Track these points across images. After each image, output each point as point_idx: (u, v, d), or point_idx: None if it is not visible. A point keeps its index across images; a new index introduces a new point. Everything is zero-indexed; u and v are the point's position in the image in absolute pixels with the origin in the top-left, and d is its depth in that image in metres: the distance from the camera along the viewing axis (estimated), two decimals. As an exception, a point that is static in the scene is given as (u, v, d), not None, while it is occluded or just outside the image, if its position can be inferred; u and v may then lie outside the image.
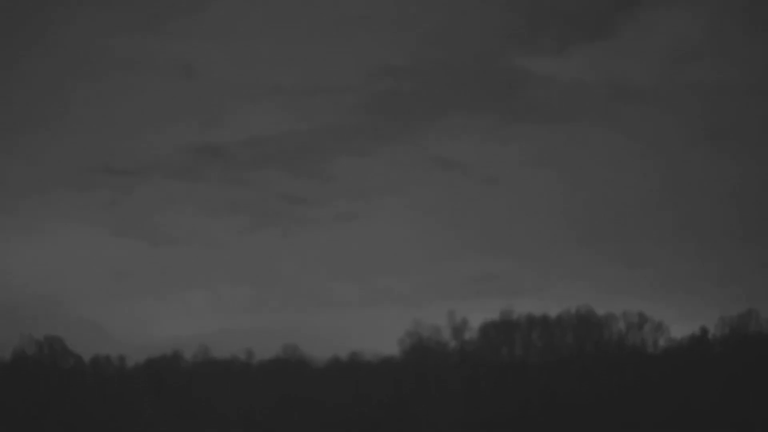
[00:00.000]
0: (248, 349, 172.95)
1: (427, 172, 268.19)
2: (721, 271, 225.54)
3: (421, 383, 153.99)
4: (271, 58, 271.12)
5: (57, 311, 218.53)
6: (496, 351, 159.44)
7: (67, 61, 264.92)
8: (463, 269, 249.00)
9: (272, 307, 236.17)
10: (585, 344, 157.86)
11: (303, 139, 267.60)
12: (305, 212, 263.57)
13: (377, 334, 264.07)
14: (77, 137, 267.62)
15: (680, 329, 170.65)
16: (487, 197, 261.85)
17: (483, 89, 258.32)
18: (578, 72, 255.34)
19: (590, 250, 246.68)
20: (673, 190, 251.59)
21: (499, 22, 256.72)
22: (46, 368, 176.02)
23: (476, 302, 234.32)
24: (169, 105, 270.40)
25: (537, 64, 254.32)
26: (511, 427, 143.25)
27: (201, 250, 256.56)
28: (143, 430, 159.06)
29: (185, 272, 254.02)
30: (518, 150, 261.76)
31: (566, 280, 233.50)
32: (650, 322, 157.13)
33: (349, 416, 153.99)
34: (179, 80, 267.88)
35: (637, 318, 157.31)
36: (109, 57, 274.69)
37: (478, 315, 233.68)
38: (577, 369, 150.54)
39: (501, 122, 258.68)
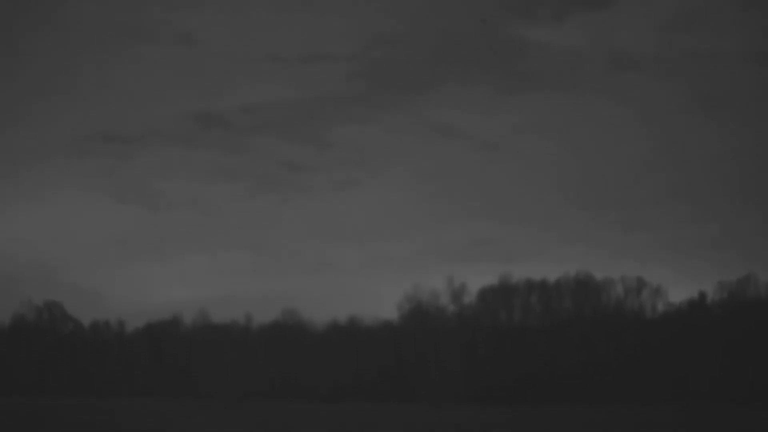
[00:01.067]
0: (248, 313, 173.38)
1: (425, 140, 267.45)
2: (720, 235, 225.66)
3: (420, 347, 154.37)
4: (270, 27, 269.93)
5: (56, 277, 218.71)
6: (495, 315, 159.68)
7: (68, 31, 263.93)
8: (461, 235, 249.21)
9: (271, 272, 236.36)
10: (583, 309, 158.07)
11: (302, 107, 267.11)
12: (304, 179, 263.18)
13: (376, 298, 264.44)
14: (78, 106, 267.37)
15: (678, 293, 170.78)
16: (486, 164, 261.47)
17: (481, 57, 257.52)
18: (575, 41, 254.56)
19: (588, 216, 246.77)
20: (671, 156, 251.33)
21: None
22: (46, 333, 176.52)
23: (475, 267, 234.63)
24: (169, 73, 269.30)
25: (535, 33, 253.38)
26: (510, 390, 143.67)
27: (200, 216, 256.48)
28: (143, 394, 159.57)
29: (184, 238, 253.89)
30: (516, 117, 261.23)
31: (564, 245, 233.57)
32: (649, 286, 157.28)
33: (348, 380, 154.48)
34: (179, 49, 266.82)
35: (635, 282, 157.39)
36: (109, 27, 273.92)
37: (477, 280, 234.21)
38: (576, 333, 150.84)
39: (499, 90, 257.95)
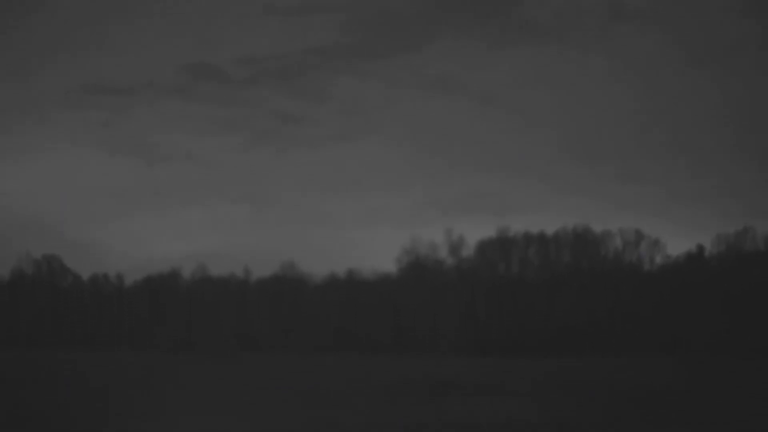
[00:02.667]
0: (246, 266, 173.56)
1: (422, 92, 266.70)
2: (718, 188, 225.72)
3: (418, 300, 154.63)
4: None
5: (55, 231, 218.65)
6: (493, 268, 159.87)
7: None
8: (459, 188, 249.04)
9: (269, 225, 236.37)
10: (581, 261, 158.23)
11: (298, 58, 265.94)
12: (301, 132, 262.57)
13: (375, 251, 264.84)
14: (72, 57, 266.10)
15: (677, 246, 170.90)
16: (484, 116, 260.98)
17: (478, 9, 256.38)
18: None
19: (586, 169, 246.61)
20: (669, 108, 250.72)
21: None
22: (45, 286, 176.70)
23: (473, 220, 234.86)
24: (164, 25, 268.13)
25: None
26: (507, 342, 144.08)
27: (197, 169, 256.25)
28: (143, 347, 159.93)
29: (181, 191, 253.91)
30: (514, 69, 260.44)
31: (562, 197, 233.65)
32: (647, 239, 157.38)
33: (347, 332, 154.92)
34: (173, 0, 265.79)
35: (633, 235, 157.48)
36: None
37: (475, 232, 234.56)
38: (574, 285, 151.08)
39: (496, 42, 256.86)
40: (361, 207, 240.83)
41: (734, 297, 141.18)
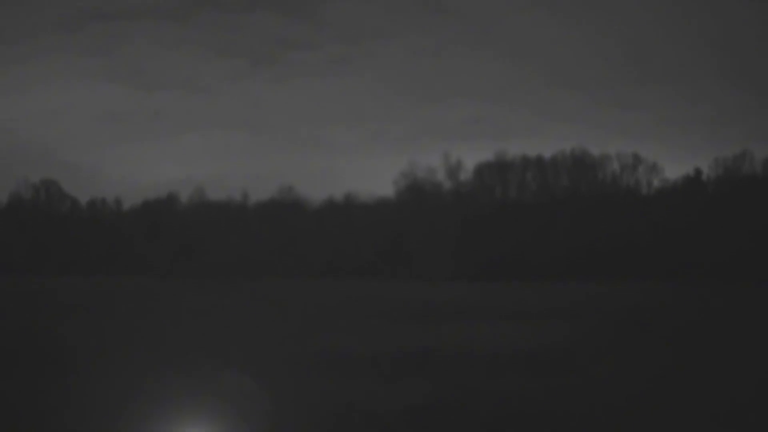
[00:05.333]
0: (244, 191, 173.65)
1: (420, 16, 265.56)
2: (716, 112, 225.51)
3: (416, 223, 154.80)
4: None
5: (52, 156, 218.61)
6: (491, 192, 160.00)
7: None
8: (457, 112, 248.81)
9: (267, 150, 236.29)
10: (579, 185, 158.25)
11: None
12: (299, 56, 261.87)
13: (372, 175, 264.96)
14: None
15: (674, 170, 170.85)
16: (481, 41, 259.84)
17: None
18: None
19: (584, 93, 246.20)
20: (667, 32, 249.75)
21: None
22: (43, 211, 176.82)
23: (471, 144, 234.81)
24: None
25: None
26: (505, 266, 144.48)
27: (194, 94, 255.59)
28: (140, 272, 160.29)
29: (179, 117, 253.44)
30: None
31: (560, 122, 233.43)
32: (644, 162, 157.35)
33: (344, 256, 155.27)
34: None
35: (631, 159, 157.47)
36: None
37: (473, 156, 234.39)
38: (572, 209, 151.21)
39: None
40: (359, 131, 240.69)
41: (732, 220, 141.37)
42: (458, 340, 43.68)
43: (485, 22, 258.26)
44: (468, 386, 27.84)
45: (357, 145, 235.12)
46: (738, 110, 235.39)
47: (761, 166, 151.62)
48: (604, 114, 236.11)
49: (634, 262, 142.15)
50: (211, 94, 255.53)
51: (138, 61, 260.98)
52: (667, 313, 63.99)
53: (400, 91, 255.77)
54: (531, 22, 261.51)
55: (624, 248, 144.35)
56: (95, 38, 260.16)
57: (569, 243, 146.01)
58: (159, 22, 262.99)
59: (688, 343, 41.43)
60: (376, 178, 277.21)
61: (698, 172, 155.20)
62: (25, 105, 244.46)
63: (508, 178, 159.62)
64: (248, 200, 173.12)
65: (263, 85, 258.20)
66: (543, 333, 46.48)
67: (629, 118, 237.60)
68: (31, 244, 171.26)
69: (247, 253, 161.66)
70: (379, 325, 52.29)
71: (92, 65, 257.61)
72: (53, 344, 39.87)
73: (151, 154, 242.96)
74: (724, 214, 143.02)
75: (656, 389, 27.20)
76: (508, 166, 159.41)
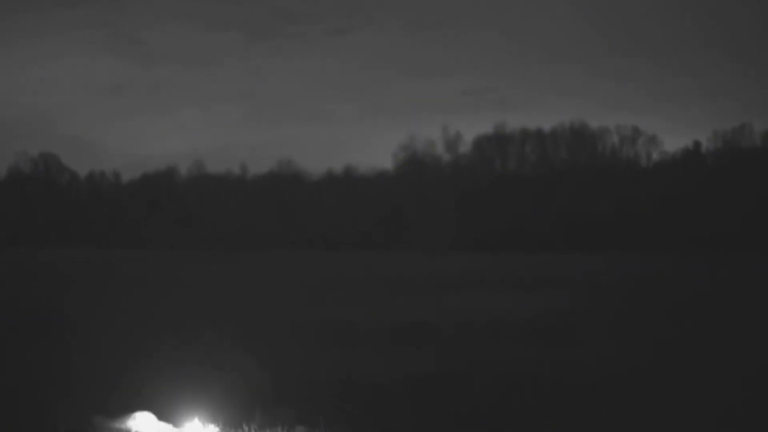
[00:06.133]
0: (243, 163, 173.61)
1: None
2: (715, 85, 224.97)
3: (415, 196, 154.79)
4: None
5: (51, 129, 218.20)
6: (490, 164, 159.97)
7: None
8: (456, 84, 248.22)
9: (266, 123, 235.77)
10: (578, 158, 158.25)
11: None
12: (298, 29, 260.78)
13: (371, 148, 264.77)
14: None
15: (674, 143, 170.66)
16: (480, 12, 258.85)
17: None
18: None
19: (583, 66, 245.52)
20: (667, 4, 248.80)
21: None
22: (42, 184, 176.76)
23: (470, 117, 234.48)
24: None
25: None
26: (504, 238, 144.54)
27: (193, 67, 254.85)
28: (140, 245, 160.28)
29: (178, 90, 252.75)
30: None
31: (560, 95, 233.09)
32: (644, 135, 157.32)
33: (344, 228, 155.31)
34: None
35: (630, 131, 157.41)
36: None
37: (472, 129, 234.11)
38: (571, 182, 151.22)
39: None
40: (358, 103, 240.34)
41: (731, 192, 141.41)
42: (458, 310, 43.68)
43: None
44: (468, 356, 27.82)
45: (356, 117, 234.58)
46: (737, 83, 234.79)
47: (761, 138, 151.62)
48: (603, 87, 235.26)
49: (634, 234, 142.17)
50: (211, 67, 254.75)
51: (137, 34, 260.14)
52: (668, 285, 64.03)
53: (399, 64, 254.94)
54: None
55: (623, 220, 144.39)
56: (95, 11, 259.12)
57: (568, 215, 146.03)
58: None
59: (689, 315, 41.42)
60: (375, 150, 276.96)
61: (697, 144, 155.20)
62: (24, 78, 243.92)
63: (507, 150, 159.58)
64: (247, 173, 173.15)
65: (261, 56, 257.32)
66: (543, 303, 46.48)
67: (628, 91, 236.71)
68: (30, 216, 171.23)
69: (246, 225, 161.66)
70: (378, 297, 52.28)
71: (91, 38, 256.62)
72: (52, 316, 39.85)
73: (150, 127, 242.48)
74: (724, 186, 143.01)
75: (659, 360, 27.18)
76: (508, 139, 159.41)
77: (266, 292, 58.32)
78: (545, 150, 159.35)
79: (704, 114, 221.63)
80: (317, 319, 39.72)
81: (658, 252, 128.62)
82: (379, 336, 33.21)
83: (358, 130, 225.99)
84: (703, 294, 54.88)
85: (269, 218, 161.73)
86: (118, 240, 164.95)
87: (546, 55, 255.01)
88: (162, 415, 17.55)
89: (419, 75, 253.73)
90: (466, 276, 75.16)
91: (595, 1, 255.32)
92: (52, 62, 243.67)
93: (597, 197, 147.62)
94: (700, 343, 31.30)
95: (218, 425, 17.39)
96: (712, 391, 21.34)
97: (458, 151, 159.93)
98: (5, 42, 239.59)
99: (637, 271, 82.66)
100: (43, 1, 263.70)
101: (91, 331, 34.56)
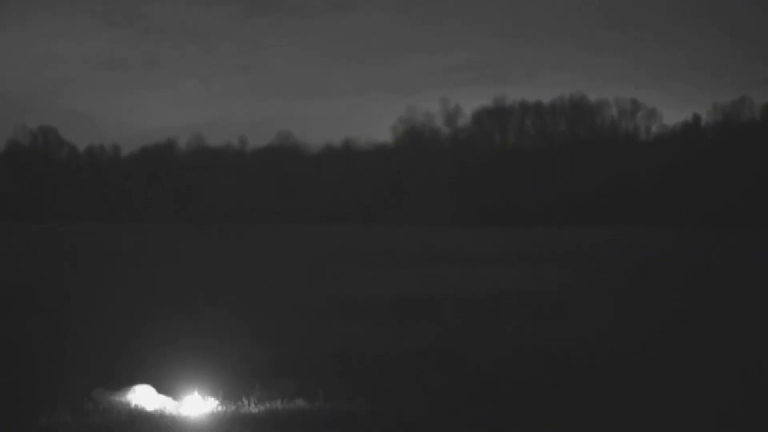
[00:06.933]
0: (242, 136, 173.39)
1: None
2: (715, 58, 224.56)
3: (414, 169, 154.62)
4: None
5: (50, 102, 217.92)
6: (489, 137, 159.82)
7: None
8: (456, 57, 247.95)
9: (265, 96, 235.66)
10: (578, 131, 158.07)
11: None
12: (296, 2, 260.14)
13: (371, 121, 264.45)
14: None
15: (673, 116, 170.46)
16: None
17: None
18: None
19: (582, 39, 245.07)
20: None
21: None
22: (41, 158, 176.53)
23: (469, 90, 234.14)
24: None
25: None
26: (503, 212, 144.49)
27: (191, 39, 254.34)
28: (139, 218, 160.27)
29: (177, 63, 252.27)
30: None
31: (558, 68, 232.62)
32: (643, 108, 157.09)
33: (343, 202, 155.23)
34: None
35: (629, 104, 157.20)
36: None
37: (471, 102, 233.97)
38: (570, 155, 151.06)
39: None
40: (357, 76, 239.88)
41: (730, 166, 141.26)
42: (458, 284, 43.68)
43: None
44: (468, 331, 27.83)
45: (355, 90, 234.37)
46: (737, 56, 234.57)
47: (760, 112, 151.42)
48: (603, 61, 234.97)
49: (633, 208, 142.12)
50: (210, 41, 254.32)
51: (137, 9, 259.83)
52: (667, 258, 64.02)
53: (398, 36, 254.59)
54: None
55: (622, 194, 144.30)
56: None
57: (567, 188, 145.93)
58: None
59: (690, 289, 41.42)
60: (374, 124, 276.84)
61: (697, 118, 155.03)
62: (23, 51, 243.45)
63: (506, 124, 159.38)
64: (246, 146, 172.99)
65: (260, 28, 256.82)
66: (542, 277, 46.48)
67: (627, 64, 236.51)
68: (29, 190, 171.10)
69: (245, 199, 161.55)
70: (378, 270, 52.28)
71: (87, 8, 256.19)
72: (52, 290, 39.86)
73: (149, 101, 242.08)
74: (723, 160, 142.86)
75: (658, 333, 27.19)
76: (507, 112, 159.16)
77: (265, 266, 58.31)
78: (544, 123, 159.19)
79: (704, 87, 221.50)
80: (317, 293, 39.74)
81: (657, 225, 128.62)
82: (379, 310, 33.22)
83: (357, 103, 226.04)
84: (701, 272, 54.86)
85: (268, 191, 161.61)
86: (117, 213, 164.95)
87: (545, 29, 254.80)
88: (161, 388, 17.56)
89: (418, 49, 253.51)
90: (466, 250, 75.16)
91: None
92: (52, 37, 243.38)
93: (596, 171, 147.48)
94: (696, 322, 31.31)
95: (218, 398, 17.41)
96: (708, 365, 21.35)
97: (457, 125, 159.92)
98: (5, 17, 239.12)
99: (636, 245, 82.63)
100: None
101: (90, 304, 34.58)
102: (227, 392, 17.65)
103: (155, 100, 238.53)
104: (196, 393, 17.49)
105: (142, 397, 17.13)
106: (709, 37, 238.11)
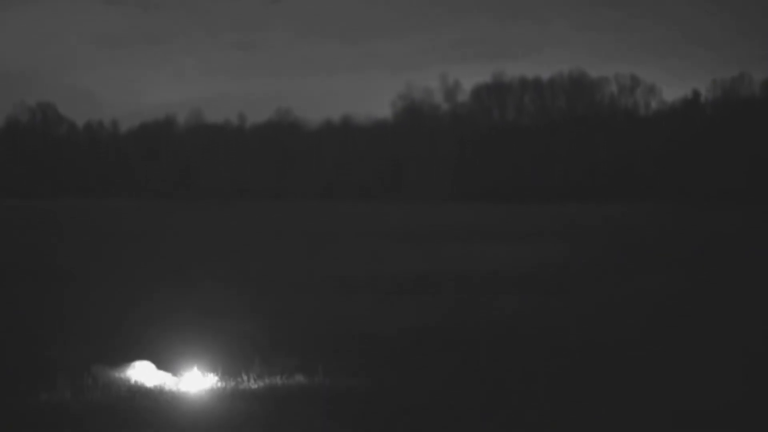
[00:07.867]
0: (241, 113, 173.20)
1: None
2: (714, 34, 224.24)
3: (414, 145, 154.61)
4: None
5: (49, 79, 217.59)
6: (488, 113, 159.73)
7: None
8: (454, 33, 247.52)
9: (264, 72, 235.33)
10: (577, 107, 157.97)
11: None
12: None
13: (370, 97, 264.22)
14: None
15: (672, 92, 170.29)
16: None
17: None
18: None
19: (581, 15, 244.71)
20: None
21: None
22: (40, 134, 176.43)
23: (468, 65, 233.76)
24: None
25: None
26: (502, 188, 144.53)
27: (189, 15, 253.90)
28: (138, 194, 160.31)
29: (175, 38, 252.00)
30: None
31: (558, 44, 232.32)
32: (643, 84, 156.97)
33: (342, 178, 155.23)
34: None
35: (629, 80, 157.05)
36: None
37: (471, 78, 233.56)
38: (569, 131, 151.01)
39: None
40: (356, 52, 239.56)
41: (729, 142, 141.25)
42: (457, 261, 43.67)
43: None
44: (467, 308, 27.84)
45: (354, 66, 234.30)
46: (736, 32, 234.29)
47: (760, 87, 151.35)
48: (602, 36, 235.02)
49: (632, 184, 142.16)
50: (206, 15, 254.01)
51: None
52: (667, 235, 64.04)
53: (397, 12, 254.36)
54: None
55: (622, 170, 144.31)
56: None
57: (567, 165, 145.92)
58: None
59: (691, 266, 41.42)
60: (373, 100, 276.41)
61: (696, 94, 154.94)
62: (22, 27, 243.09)
63: (505, 100, 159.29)
64: (245, 122, 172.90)
65: (258, 4, 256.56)
66: (542, 254, 46.47)
67: (627, 40, 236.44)
68: (28, 166, 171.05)
69: (244, 175, 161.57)
70: (377, 247, 52.27)
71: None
72: (50, 266, 39.87)
73: (148, 77, 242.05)
74: (723, 136, 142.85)
75: (659, 311, 27.20)
76: (506, 88, 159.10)
77: (265, 243, 58.31)
78: (544, 99, 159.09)
79: (703, 63, 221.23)
80: (316, 270, 39.74)
81: (657, 201, 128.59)
82: (378, 287, 33.21)
83: (357, 79, 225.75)
84: (702, 245, 54.88)
85: (267, 168, 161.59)
86: (116, 189, 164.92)
87: (544, 5, 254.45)
88: (161, 364, 17.57)
89: (418, 23, 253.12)
90: (465, 227, 75.13)
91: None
92: (51, 13, 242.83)
93: (596, 147, 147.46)
94: (698, 294, 31.32)
95: (217, 374, 17.42)
96: (710, 343, 21.36)
97: (457, 100, 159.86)
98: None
99: (636, 222, 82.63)
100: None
101: (89, 279, 34.60)
102: (227, 368, 17.66)
103: (154, 77, 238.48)
104: (195, 369, 17.49)
105: (142, 373, 17.14)
106: (708, 14, 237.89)
